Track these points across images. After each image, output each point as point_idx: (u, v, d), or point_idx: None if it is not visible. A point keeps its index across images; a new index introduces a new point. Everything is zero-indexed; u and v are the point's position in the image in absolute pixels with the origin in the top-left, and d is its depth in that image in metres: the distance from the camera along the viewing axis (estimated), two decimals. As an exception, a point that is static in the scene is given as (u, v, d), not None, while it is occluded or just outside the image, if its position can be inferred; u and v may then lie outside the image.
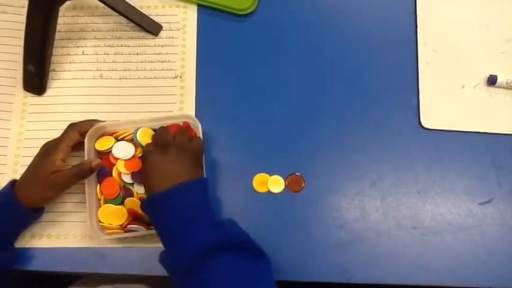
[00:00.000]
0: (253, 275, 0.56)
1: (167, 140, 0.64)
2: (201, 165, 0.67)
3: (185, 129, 0.68)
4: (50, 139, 0.68)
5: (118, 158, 0.70)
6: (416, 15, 0.80)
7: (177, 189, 0.59)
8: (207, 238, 0.56)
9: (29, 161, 0.67)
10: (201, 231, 0.57)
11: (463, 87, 0.77)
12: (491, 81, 0.76)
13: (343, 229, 0.71)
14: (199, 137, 0.68)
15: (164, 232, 0.60)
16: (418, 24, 0.79)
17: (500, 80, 0.75)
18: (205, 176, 0.67)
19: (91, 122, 0.70)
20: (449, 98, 0.76)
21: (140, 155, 0.70)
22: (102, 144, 0.70)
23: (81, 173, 0.66)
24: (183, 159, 0.62)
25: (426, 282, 0.69)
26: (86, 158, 0.68)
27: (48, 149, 0.67)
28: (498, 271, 0.69)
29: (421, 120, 0.75)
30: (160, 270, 0.68)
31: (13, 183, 0.66)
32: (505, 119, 0.75)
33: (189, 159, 0.63)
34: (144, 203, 0.61)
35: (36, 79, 0.75)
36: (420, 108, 0.75)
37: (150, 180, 0.61)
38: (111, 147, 0.70)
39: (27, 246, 0.70)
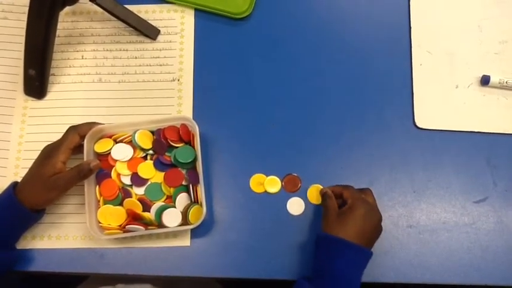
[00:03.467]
0: None
1: (377, 208, 0.67)
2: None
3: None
4: (51, 142, 0.69)
5: (117, 160, 0.71)
6: (410, 17, 0.81)
7: (359, 250, 0.63)
8: None
9: (29, 163, 0.69)
10: None
11: (456, 88, 0.78)
12: (485, 81, 0.76)
13: (340, 228, 0.72)
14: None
15: (326, 274, 0.62)
16: (412, 26, 0.80)
17: (493, 80, 0.76)
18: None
19: (90, 125, 0.71)
20: (443, 98, 0.77)
21: (139, 156, 0.71)
22: (101, 147, 0.71)
23: (81, 174, 0.67)
24: (374, 230, 0.66)
25: (422, 280, 0.70)
26: (85, 160, 0.69)
27: (49, 152, 0.68)
28: (493, 269, 0.70)
29: (416, 120, 0.76)
30: (159, 270, 0.70)
31: (14, 185, 0.68)
32: (498, 119, 0.76)
33: (376, 234, 0.67)
34: (330, 236, 0.64)
35: (36, 83, 0.76)
36: (414, 108, 0.76)
37: (347, 223, 0.64)
38: (110, 149, 0.71)
39: (28, 247, 0.71)
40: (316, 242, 0.66)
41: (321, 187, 0.73)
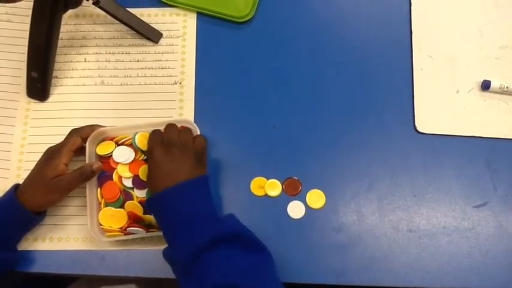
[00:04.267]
0: (253, 267, 0.58)
1: (172, 138, 0.66)
2: (203, 163, 0.68)
3: (189, 128, 0.70)
4: (53, 144, 0.70)
5: (118, 162, 0.71)
6: (411, 22, 0.81)
7: (179, 188, 0.61)
8: (207, 232, 0.59)
9: (31, 165, 0.69)
10: (202, 226, 0.60)
11: (457, 92, 0.78)
12: (485, 86, 0.77)
13: (340, 232, 0.72)
14: (202, 136, 0.69)
15: (167, 228, 0.62)
16: (412, 30, 0.80)
17: (494, 85, 0.76)
18: (207, 173, 0.68)
19: (92, 127, 0.71)
20: (443, 103, 0.77)
21: (140, 158, 0.72)
22: (103, 149, 0.71)
23: (83, 176, 0.68)
24: (185, 158, 0.65)
25: (422, 284, 0.70)
26: (87, 162, 0.70)
27: (51, 154, 0.68)
28: (493, 273, 0.70)
29: (416, 125, 0.76)
30: (159, 273, 0.70)
31: (16, 187, 0.68)
32: (499, 123, 0.76)
33: (191, 157, 0.65)
34: (148, 201, 0.65)
35: (39, 85, 0.77)
36: (415, 113, 0.76)
37: (154, 177, 0.64)
38: (112, 151, 0.71)
39: (29, 248, 0.71)
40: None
41: (321, 192, 0.73)
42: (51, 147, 0.70)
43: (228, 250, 0.58)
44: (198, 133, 0.70)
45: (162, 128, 0.72)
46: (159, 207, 0.63)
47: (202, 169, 0.67)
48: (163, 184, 0.62)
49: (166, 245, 0.70)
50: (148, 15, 0.82)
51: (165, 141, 0.66)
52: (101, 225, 0.69)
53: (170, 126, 0.68)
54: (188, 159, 0.65)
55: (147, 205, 0.66)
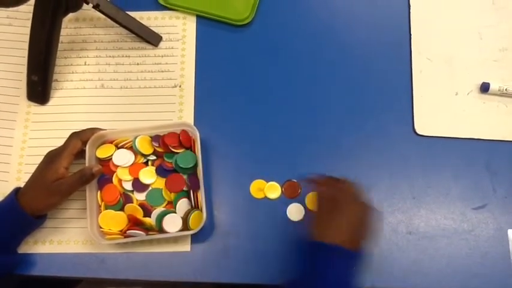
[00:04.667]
0: None
1: (369, 209, 0.61)
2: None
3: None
4: (53, 147, 0.70)
5: (118, 166, 0.71)
6: (410, 25, 0.81)
7: (353, 255, 0.58)
8: None
9: (32, 168, 0.69)
10: None
11: (456, 95, 0.78)
12: (484, 88, 0.77)
13: (340, 234, 0.72)
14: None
15: (312, 277, 0.58)
16: (412, 33, 0.81)
17: (493, 87, 0.76)
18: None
19: (93, 130, 0.71)
20: (443, 105, 0.77)
21: (140, 161, 0.72)
22: (102, 152, 0.71)
23: (83, 179, 0.68)
24: (366, 230, 0.61)
25: (422, 286, 0.70)
26: (87, 165, 0.70)
27: (52, 157, 0.68)
28: (492, 275, 0.70)
29: (415, 127, 0.76)
30: (159, 275, 0.70)
31: (17, 190, 0.68)
32: (498, 126, 0.76)
33: (366, 234, 0.61)
34: (319, 243, 0.59)
35: (39, 89, 0.77)
36: (414, 115, 0.77)
37: (337, 225, 0.59)
38: (112, 154, 0.71)
39: (30, 251, 0.71)
40: (306, 247, 0.61)
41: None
42: (51, 151, 0.70)
43: None
44: (198, 137, 0.71)
45: (162, 132, 0.72)
46: (324, 255, 0.58)
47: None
48: (339, 238, 0.58)
49: (166, 248, 0.71)
50: (148, 18, 0.83)
51: (354, 194, 0.62)
52: (101, 228, 0.69)
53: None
54: (366, 233, 0.61)
55: (311, 243, 0.60)
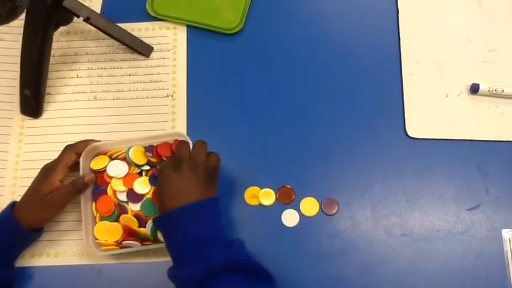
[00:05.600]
0: None
1: (182, 155, 0.65)
2: (214, 182, 0.66)
3: (204, 144, 0.67)
4: (48, 160, 0.70)
5: (112, 177, 0.71)
6: (399, 28, 0.82)
7: (188, 208, 0.60)
8: (215, 258, 0.58)
9: (27, 182, 0.70)
10: (210, 251, 0.59)
11: (446, 96, 0.79)
12: (474, 89, 0.77)
13: (335, 239, 0.72)
14: (215, 155, 0.67)
15: (174, 248, 0.61)
16: (400, 37, 0.81)
17: (482, 88, 0.77)
18: (217, 194, 0.66)
19: (86, 142, 0.72)
20: (433, 107, 0.78)
21: (134, 172, 0.72)
22: (97, 164, 0.72)
23: (76, 189, 0.68)
24: (195, 177, 0.63)
25: (418, 288, 0.70)
26: (80, 176, 0.70)
27: (47, 171, 0.69)
28: (487, 276, 0.70)
29: (407, 129, 0.77)
30: (156, 285, 0.70)
31: (13, 204, 0.69)
32: (488, 126, 0.77)
33: (201, 176, 0.63)
34: (157, 219, 0.63)
35: (32, 103, 0.77)
36: (406, 118, 0.77)
37: (163, 195, 0.63)
38: (106, 166, 0.72)
39: (27, 265, 0.72)
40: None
41: (315, 200, 0.73)
42: (46, 165, 0.70)
43: (235, 279, 0.57)
44: (191, 146, 0.71)
45: (155, 142, 0.72)
46: (167, 226, 0.62)
47: (212, 190, 0.65)
48: (172, 203, 0.61)
49: (162, 258, 0.71)
50: (138, 29, 0.83)
51: (175, 158, 0.65)
52: (97, 239, 0.69)
53: (181, 144, 0.67)
54: (198, 177, 0.63)
55: (156, 222, 0.65)
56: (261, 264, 0.60)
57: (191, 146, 0.70)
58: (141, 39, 0.82)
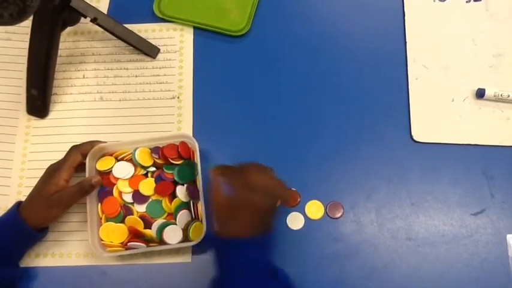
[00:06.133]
0: None
1: (282, 197, 0.65)
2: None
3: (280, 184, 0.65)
4: (53, 160, 0.71)
5: (118, 178, 0.72)
6: (405, 33, 0.82)
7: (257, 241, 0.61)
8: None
9: (32, 182, 0.70)
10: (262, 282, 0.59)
11: (452, 101, 0.79)
12: (480, 94, 0.78)
13: (340, 242, 0.72)
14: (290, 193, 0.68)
15: (224, 274, 0.61)
16: (407, 41, 0.81)
17: (488, 93, 0.77)
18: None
19: (92, 143, 0.72)
20: (439, 111, 0.78)
21: (140, 173, 0.72)
22: (102, 165, 0.72)
23: (83, 190, 0.68)
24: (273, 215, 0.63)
25: (422, 292, 0.70)
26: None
27: (53, 171, 0.69)
28: (492, 280, 0.70)
29: (413, 134, 0.77)
30: (160, 286, 0.70)
31: (19, 204, 0.69)
32: (494, 131, 0.77)
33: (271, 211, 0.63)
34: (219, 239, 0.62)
35: (39, 103, 0.78)
36: (411, 122, 0.77)
37: (241, 219, 0.61)
38: (112, 167, 0.72)
39: (31, 265, 0.72)
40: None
41: (320, 203, 0.74)
42: (52, 165, 0.70)
43: None
44: (197, 148, 0.71)
45: (161, 143, 0.72)
46: (230, 249, 0.61)
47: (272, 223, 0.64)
48: (246, 232, 0.61)
49: (167, 259, 0.71)
50: (145, 30, 0.84)
51: (263, 186, 0.62)
52: (102, 240, 0.70)
53: (283, 187, 0.65)
54: (271, 212, 0.63)
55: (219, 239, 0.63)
56: None
57: (197, 149, 0.70)
58: (148, 40, 0.82)
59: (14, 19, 0.55)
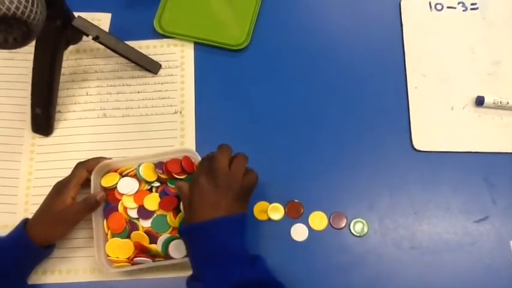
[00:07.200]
0: None
1: (221, 167, 0.64)
2: (247, 200, 0.67)
3: (245, 159, 0.67)
4: (59, 178, 0.72)
5: (123, 194, 0.72)
6: (403, 42, 0.83)
7: (219, 222, 0.61)
8: (237, 276, 0.59)
9: (39, 199, 0.71)
10: (234, 266, 0.60)
11: (452, 109, 0.79)
12: (479, 102, 0.78)
13: (344, 252, 0.73)
14: (255, 173, 0.67)
15: (197, 260, 0.62)
16: (405, 51, 0.82)
17: (488, 100, 0.78)
18: (247, 211, 0.67)
19: (97, 160, 0.73)
20: (439, 120, 0.79)
21: (144, 189, 0.73)
22: (107, 181, 0.73)
23: (88, 207, 0.69)
24: (230, 191, 0.63)
25: (427, 301, 0.71)
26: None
27: (59, 189, 0.70)
28: (497, 287, 0.70)
29: (413, 142, 0.77)
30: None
31: (25, 221, 0.69)
32: (494, 138, 0.77)
33: (236, 192, 0.63)
34: (183, 229, 0.64)
35: (43, 121, 0.78)
36: (412, 131, 0.78)
37: (194, 204, 0.63)
38: (116, 183, 0.72)
39: (39, 282, 0.72)
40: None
41: (323, 214, 0.74)
42: (58, 182, 0.71)
43: None
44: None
45: (165, 158, 0.73)
46: (194, 237, 0.63)
47: (243, 206, 0.65)
48: (202, 214, 0.61)
49: (173, 274, 0.71)
50: (146, 47, 0.85)
51: (212, 168, 0.64)
52: (108, 256, 0.70)
53: (221, 153, 0.65)
54: (233, 193, 0.63)
55: (181, 231, 0.65)
56: (282, 283, 0.61)
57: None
58: (149, 56, 0.83)
59: (19, 43, 0.56)
